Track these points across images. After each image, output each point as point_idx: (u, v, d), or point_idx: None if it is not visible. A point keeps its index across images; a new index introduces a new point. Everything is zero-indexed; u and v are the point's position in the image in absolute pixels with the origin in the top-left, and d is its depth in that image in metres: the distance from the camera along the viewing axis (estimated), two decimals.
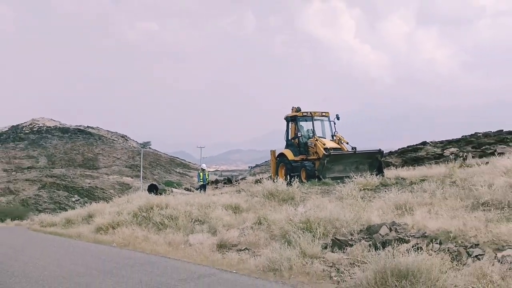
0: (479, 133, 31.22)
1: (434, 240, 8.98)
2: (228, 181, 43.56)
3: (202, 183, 30.79)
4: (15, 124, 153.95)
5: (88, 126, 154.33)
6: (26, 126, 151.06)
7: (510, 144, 26.58)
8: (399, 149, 34.12)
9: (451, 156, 25.72)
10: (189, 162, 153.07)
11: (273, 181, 20.91)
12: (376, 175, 20.59)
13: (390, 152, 33.37)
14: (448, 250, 8.39)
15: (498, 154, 21.53)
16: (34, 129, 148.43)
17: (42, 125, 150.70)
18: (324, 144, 24.55)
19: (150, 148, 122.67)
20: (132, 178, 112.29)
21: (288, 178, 23.88)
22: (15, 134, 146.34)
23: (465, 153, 25.62)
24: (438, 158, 27.27)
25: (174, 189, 35.91)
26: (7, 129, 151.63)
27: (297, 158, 25.76)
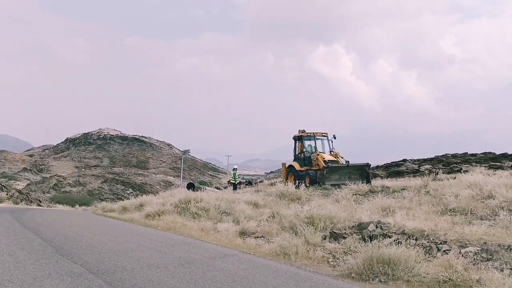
0: (449, 154, 31.03)
1: (411, 236, 8.90)
2: (249, 183, 43.50)
3: (233, 182, 30.10)
4: (86, 132, 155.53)
5: (142, 136, 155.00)
6: (94, 133, 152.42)
7: (473, 164, 26.26)
8: (384, 164, 33.84)
9: (426, 171, 25.43)
10: (218, 167, 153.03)
11: (285, 184, 20.89)
12: (366, 183, 20.46)
13: (377, 166, 33.07)
14: (422, 245, 8.34)
15: (463, 171, 21.31)
16: (101, 136, 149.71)
17: (106, 133, 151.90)
18: (323, 158, 24.63)
19: (189, 154, 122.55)
20: (174, 177, 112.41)
21: (296, 183, 23.93)
22: (86, 139, 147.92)
23: (437, 170, 25.31)
24: (416, 172, 26.94)
25: (206, 187, 35.85)
26: (80, 135, 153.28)
27: (303, 169, 25.81)
